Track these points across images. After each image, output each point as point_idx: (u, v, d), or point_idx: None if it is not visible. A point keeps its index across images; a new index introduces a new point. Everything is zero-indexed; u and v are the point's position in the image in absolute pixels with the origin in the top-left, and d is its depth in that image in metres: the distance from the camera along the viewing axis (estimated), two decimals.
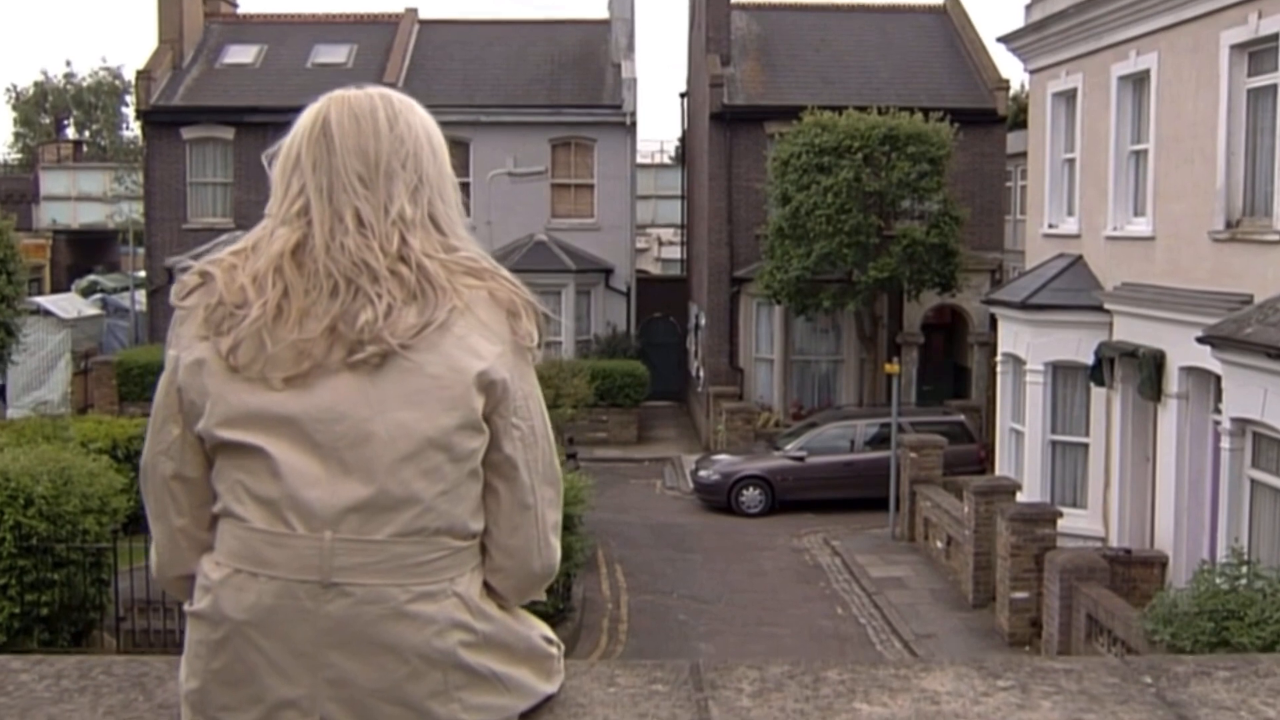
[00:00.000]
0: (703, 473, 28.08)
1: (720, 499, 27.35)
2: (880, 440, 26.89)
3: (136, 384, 32.15)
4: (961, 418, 28.87)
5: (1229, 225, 16.87)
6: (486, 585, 2.30)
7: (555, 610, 18.65)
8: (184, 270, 2.30)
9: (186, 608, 2.26)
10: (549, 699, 2.40)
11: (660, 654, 18.66)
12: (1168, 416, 18.31)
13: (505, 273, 2.33)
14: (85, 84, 77.21)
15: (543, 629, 2.44)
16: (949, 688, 2.45)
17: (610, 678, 2.54)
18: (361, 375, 2.17)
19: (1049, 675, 2.53)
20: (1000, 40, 24.99)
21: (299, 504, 2.16)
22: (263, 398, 2.18)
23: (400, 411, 2.17)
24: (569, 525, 18.52)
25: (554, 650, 2.43)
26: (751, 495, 27.41)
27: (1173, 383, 18.05)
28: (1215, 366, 16.12)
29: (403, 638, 2.16)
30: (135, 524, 21.02)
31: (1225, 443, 15.87)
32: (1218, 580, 14.05)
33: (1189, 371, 17.69)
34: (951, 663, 2.59)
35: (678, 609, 20.82)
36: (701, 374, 35.75)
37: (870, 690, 2.45)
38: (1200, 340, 15.71)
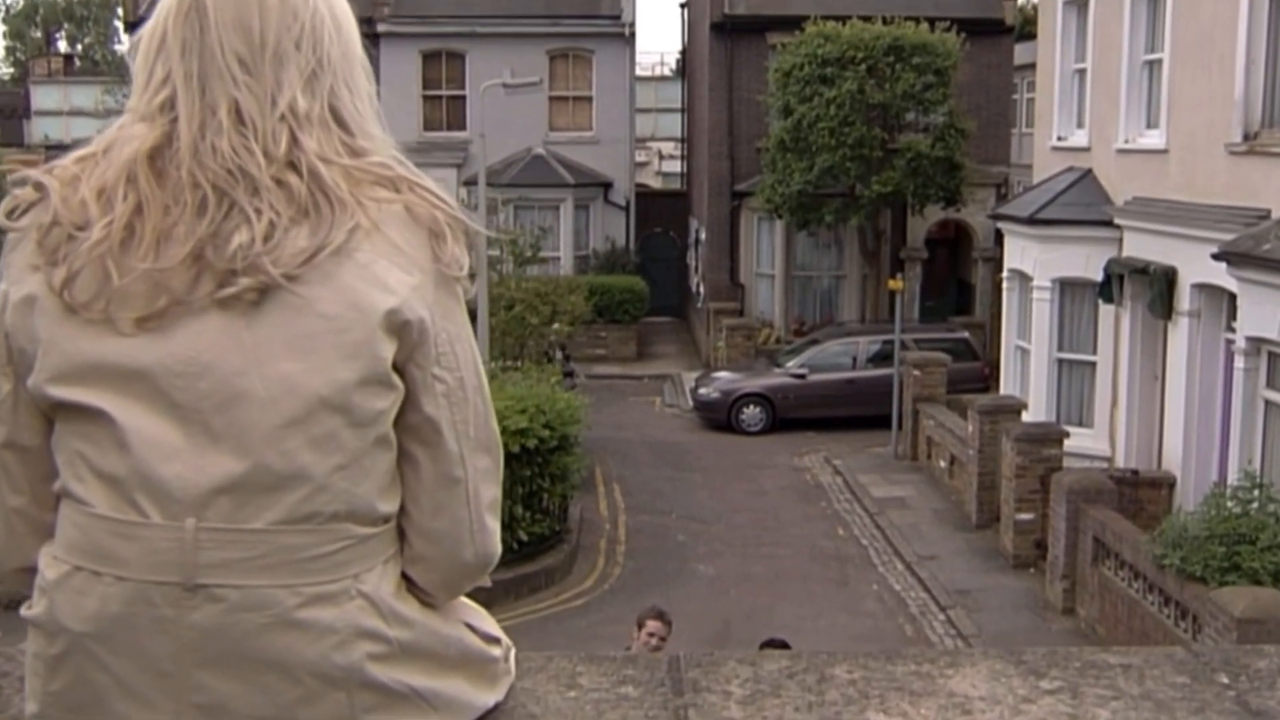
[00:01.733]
0: (702, 390, 27.71)
1: (720, 417, 26.99)
2: (883, 357, 26.46)
3: None
4: (965, 335, 28.44)
5: (1247, 137, 16.28)
6: (407, 578, 1.85)
7: (551, 533, 18.33)
8: (20, 183, 1.78)
9: (24, 611, 1.78)
10: (492, 710, 1.95)
11: (659, 577, 18.36)
12: (1178, 335, 17.83)
13: (428, 182, 1.82)
14: None
15: (484, 623, 1.98)
16: (982, 691, 2.01)
17: (571, 677, 2.09)
18: (234, 315, 1.68)
19: (1103, 674, 2.08)
20: None
21: (152, 483, 1.68)
22: (106, 345, 1.69)
23: (284, 362, 1.68)
24: (565, 446, 18.12)
25: (497, 651, 1.98)
26: (752, 413, 27.06)
27: (1184, 300, 17.56)
28: (1230, 284, 15.63)
29: (292, 652, 1.70)
30: None
31: (1239, 362, 15.42)
32: (1229, 504, 13.67)
33: (1201, 289, 17.19)
34: (984, 655, 2.14)
35: (676, 529, 20.50)
36: (702, 290, 35.34)
37: (887, 694, 2.00)
38: (1215, 257, 15.20)
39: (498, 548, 1.91)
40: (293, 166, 1.72)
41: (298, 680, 1.70)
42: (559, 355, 25.82)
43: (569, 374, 24.24)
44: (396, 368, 1.75)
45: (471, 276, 1.81)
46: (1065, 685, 2.03)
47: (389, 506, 1.80)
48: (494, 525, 1.88)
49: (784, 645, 9.83)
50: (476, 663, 1.92)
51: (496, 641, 1.98)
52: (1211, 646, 5.62)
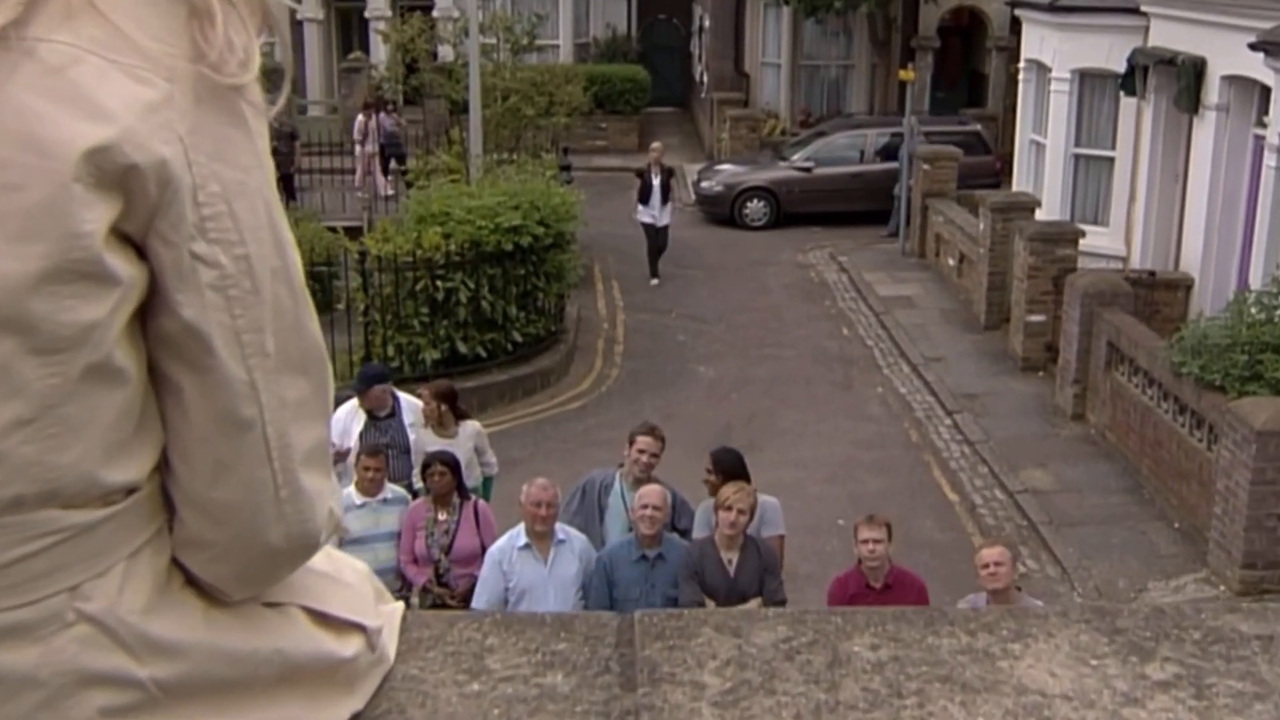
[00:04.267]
0: (705, 183, 26.89)
1: (723, 211, 26.23)
2: (891, 150, 25.57)
3: None
4: (978, 128, 27.46)
5: None
6: (183, 569, 1.22)
7: (547, 334, 17.78)
8: None
9: None
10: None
11: (657, 379, 17.87)
12: (1204, 130, 16.98)
13: None
14: None
15: (336, 598, 1.35)
16: (1066, 684, 1.39)
17: (477, 657, 1.46)
18: None
19: (1235, 650, 1.46)
20: None
21: None
22: None
23: None
24: (561, 243, 17.43)
25: (353, 645, 1.35)
26: (756, 207, 26.33)
27: (1213, 93, 16.66)
28: (1263, 76, 14.78)
29: None
30: None
31: (1270, 160, 14.64)
32: (1253, 310, 13.06)
33: (1232, 81, 16.28)
34: (1063, 619, 1.52)
35: (676, 329, 19.93)
36: (705, 79, 34.39)
37: (928, 688, 1.39)
38: (1253, 46, 14.27)
39: (320, 520, 1.26)
40: None
41: None
42: (559, 149, 24.90)
43: (565, 168, 23.37)
44: (131, 241, 1.09)
45: (268, 83, 1.12)
46: (1184, 673, 1.42)
47: (127, 473, 1.15)
48: (316, 485, 1.23)
49: (737, 457, 9.31)
50: (315, 672, 1.29)
51: (356, 628, 1.35)
52: None
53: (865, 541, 8.25)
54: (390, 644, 1.43)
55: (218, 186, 1.11)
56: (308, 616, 1.30)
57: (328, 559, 1.38)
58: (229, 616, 1.24)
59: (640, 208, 22.16)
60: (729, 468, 9.16)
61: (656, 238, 22.19)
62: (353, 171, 26.61)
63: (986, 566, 7.87)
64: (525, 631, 1.50)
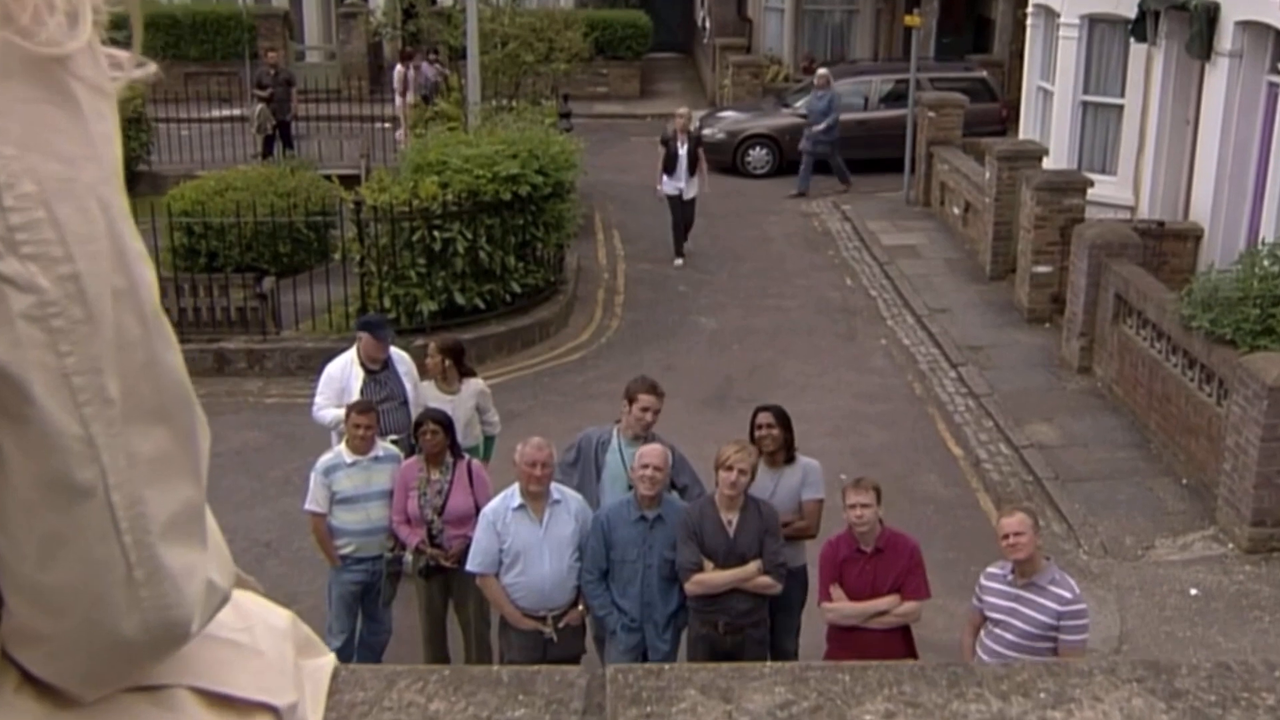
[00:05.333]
0: (707, 130, 26.45)
1: (725, 158, 25.84)
2: (896, 97, 25.21)
3: None
4: (984, 74, 27.05)
5: None
6: (18, 665, 0.99)
7: (545, 284, 17.52)
8: None
9: None
10: None
11: (658, 330, 17.64)
12: (1216, 76, 16.63)
13: None
14: None
15: (237, 669, 1.12)
16: None
17: None
18: None
19: None
20: None
21: None
22: None
23: None
24: (560, 192, 17.13)
25: None
26: (758, 155, 26.01)
27: (1226, 39, 16.30)
28: (1279, 21, 14.39)
29: None
30: None
31: None
32: (1265, 262, 12.79)
33: (1246, 26, 15.92)
34: (1111, 678, 1.28)
35: (678, 279, 19.67)
36: (708, 24, 33.96)
37: None
38: None
39: (191, 603, 1.01)
40: None
41: None
42: (558, 96, 24.52)
43: (565, 115, 23.01)
44: None
45: (116, 57, 0.87)
46: None
47: None
48: (184, 560, 0.99)
49: (782, 414, 9.10)
50: None
51: (265, 709, 1.12)
52: None
53: (853, 507, 8.03)
54: (313, 715, 1.20)
55: (32, 185, 0.87)
56: (201, 701, 1.07)
57: (237, 613, 1.15)
58: (84, 718, 1.01)
59: (664, 179, 20.06)
60: (787, 421, 9.01)
61: (682, 211, 20.25)
62: (393, 121, 25.63)
63: (1006, 537, 7.62)
64: (477, 693, 1.27)
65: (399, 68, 25.61)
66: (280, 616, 1.22)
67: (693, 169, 19.92)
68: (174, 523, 0.98)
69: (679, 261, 20.18)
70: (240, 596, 1.16)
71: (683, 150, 19.88)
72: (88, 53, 0.89)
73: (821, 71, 25.03)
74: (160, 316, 0.95)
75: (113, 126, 0.91)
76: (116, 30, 0.95)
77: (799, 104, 26.24)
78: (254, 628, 1.17)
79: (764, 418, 9.07)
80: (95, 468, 0.92)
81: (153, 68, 0.95)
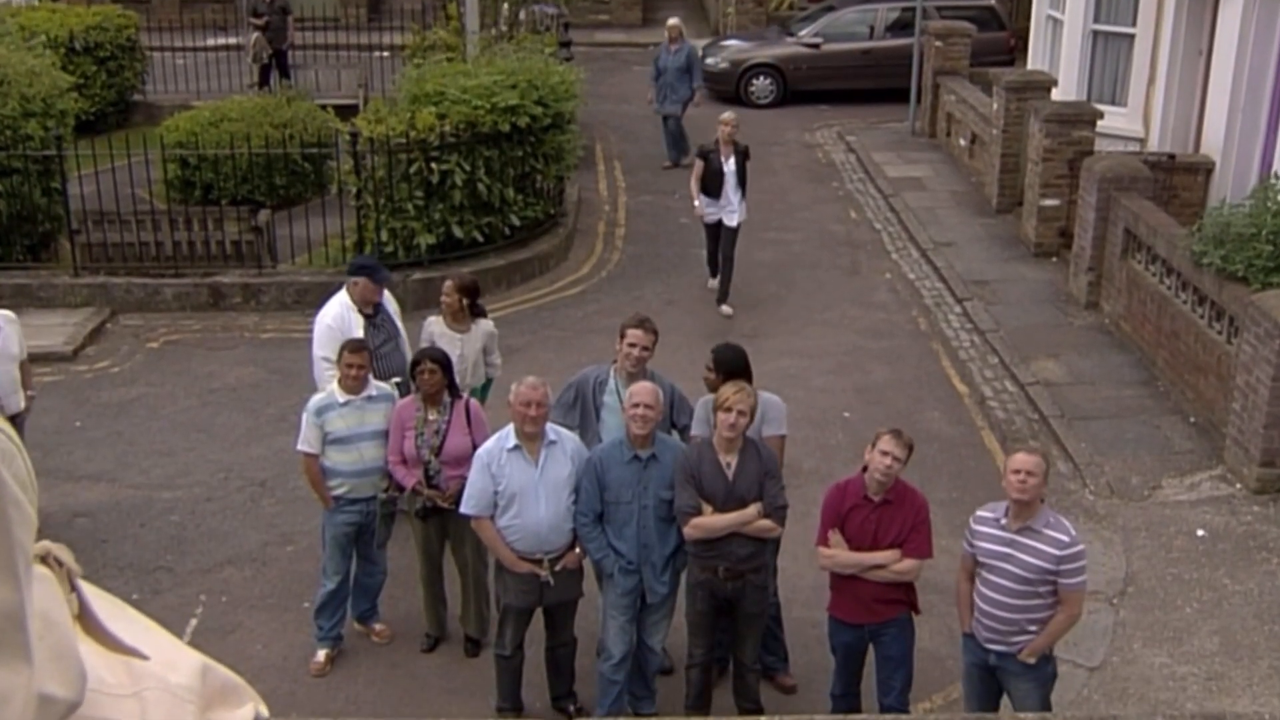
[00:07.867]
0: (710, 60, 26.10)
1: (728, 88, 25.50)
2: (902, 26, 24.84)
3: None
4: (992, 2, 26.59)
5: None
6: None
7: (545, 217, 17.27)
8: None
9: None
10: None
11: (659, 263, 17.43)
12: (1231, 5, 16.27)
13: None
14: None
15: None
16: None
17: None
18: None
19: None
20: None
21: None
22: None
23: None
24: (559, 124, 16.85)
25: None
26: (762, 85, 25.66)
27: None
28: None
29: None
30: (86, 128, 19.40)
31: None
32: (1279, 198, 12.53)
33: None
34: None
35: (679, 211, 19.38)
36: None
37: None
38: None
39: None
40: None
41: None
42: (558, 25, 24.13)
43: (565, 44, 22.64)
44: None
45: None
46: None
47: None
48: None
49: (740, 354, 8.87)
50: None
51: None
52: None
53: (885, 454, 7.76)
54: None
55: None
56: None
57: (129, 676, 0.96)
58: None
59: (702, 199, 15.55)
60: (730, 365, 8.74)
61: (720, 240, 15.81)
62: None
63: (1017, 473, 7.35)
64: None
65: None
66: (185, 672, 1.03)
67: (742, 189, 15.51)
68: None
69: (713, 283, 16.19)
70: (135, 661, 0.97)
71: (729, 166, 15.39)
72: None
73: (673, 22, 21.82)
74: None
75: None
76: None
77: (804, 32, 25.87)
78: (144, 692, 0.98)
79: (708, 359, 8.98)
80: None
81: None
